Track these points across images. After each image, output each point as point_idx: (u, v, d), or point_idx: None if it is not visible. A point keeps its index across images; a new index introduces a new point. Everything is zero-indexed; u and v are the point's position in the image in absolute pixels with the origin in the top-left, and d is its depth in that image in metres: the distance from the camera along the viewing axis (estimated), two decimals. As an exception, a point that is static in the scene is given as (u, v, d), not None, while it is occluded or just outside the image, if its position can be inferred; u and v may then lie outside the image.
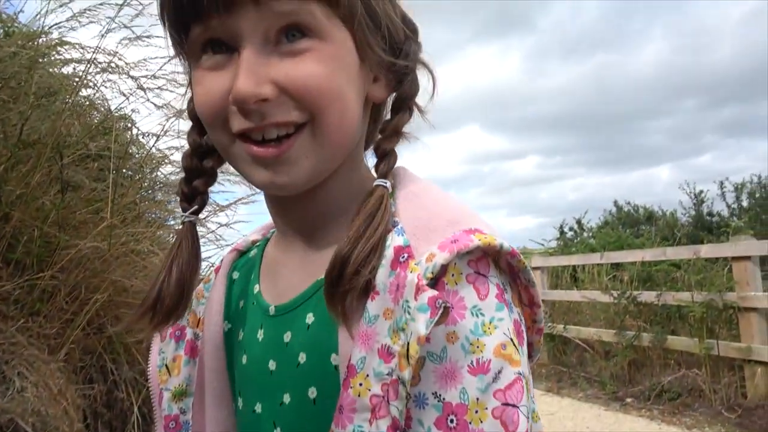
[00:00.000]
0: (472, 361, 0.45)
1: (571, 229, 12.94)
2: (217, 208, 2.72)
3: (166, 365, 0.66)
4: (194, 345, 0.66)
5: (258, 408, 0.58)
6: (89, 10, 2.37)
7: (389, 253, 0.49)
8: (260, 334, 0.60)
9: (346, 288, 0.48)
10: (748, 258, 4.54)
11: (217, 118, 0.53)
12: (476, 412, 0.44)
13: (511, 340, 0.47)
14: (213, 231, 2.66)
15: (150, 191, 2.72)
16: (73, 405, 1.68)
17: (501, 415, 0.44)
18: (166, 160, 2.70)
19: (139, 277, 2.04)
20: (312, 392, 0.53)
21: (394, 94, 0.60)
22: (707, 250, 5.13)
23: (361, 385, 0.46)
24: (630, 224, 12.91)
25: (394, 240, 0.50)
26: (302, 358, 0.54)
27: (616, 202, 13.71)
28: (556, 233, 12.73)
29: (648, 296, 5.46)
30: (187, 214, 0.62)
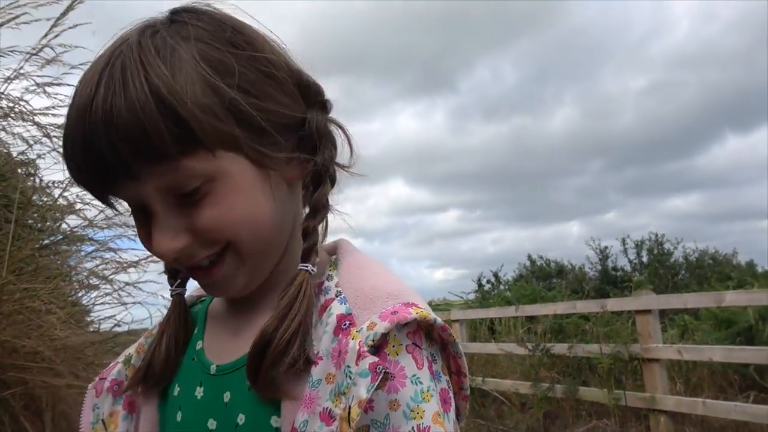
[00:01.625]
0: (413, 427, 0.48)
1: (488, 281, 13.32)
2: (125, 264, 2.57)
3: (102, 420, 0.64)
4: (132, 401, 0.65)
5: None
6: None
7: (332, 320, 0.53)
8: (199, 392, 0.60)
9: (267, 366, 0.51)
10: (649, 311, 4.82)
11: (160, 258, 0.58)
12: None
13: (442, 410, 0.51)
14: (118, 289, 2.50)
15: (53, 243, 2.54)
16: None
17: None
18: (71, 210, 2.54)
19: (33, 337, 1.87)
20: None
21: (310, 168, 0.61)
22: (612, 304, 5.42)
23: None
24: (543, 277, 13.48)
25: (336, 308, 0.54)
26: (241, 419, 0.55)
27: (529, 256, 14.31)
28: (474, 285, 13.04)
29: (560, 348, 5.64)
30: (173, 288, 0.67)
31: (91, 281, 2.54)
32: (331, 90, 0.64)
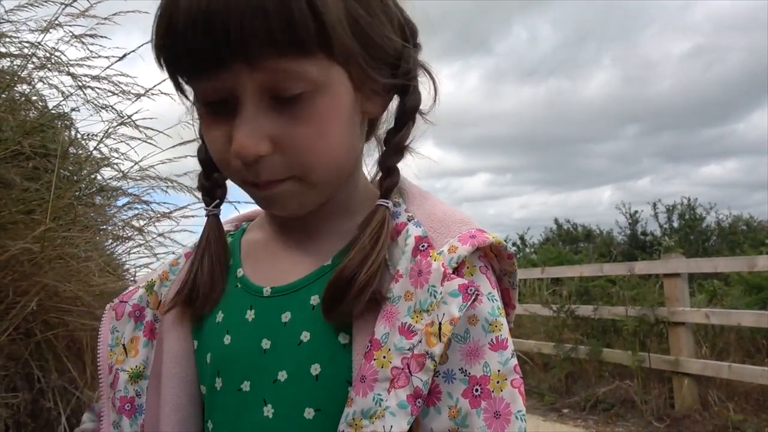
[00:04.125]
0: (492, 339, 0.51)
1: (514, 244, 13.28)
2: (158, 215, 2.63)
3: (123, 345, 0.64)
4: (153, 327, 0.65)
5: (245, 386, 0.58)
6: (28, 5, 2.28)
7: (411, 241, 0.55)
8: (250, 315, 0.60)
9: (348, 301, 0.52)
10: (677, 275, 4.77)
11: (222, 165, 0.57)
12: (497, 382, 0.51)
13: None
14: (151, 240, 2.57)
15: (88, 194, 2.62)
16: (-5, 415, 1.58)
17: (519, 387, 0.51)
18: (106, 163, 2.60)
19: (72, 282, 1.95)
20: (315, 369, 0.55)
21: (397, 106, 0.61)
22: (641, 267, 5.37)
23: (384, 357, 0.50)
24: (569, 241, 13.37)
25: (413, 231, 0.55)
26: (305, 336, 0.56)
27: (556, 220, 14.17)
28: (500, 248, 12.96)
29: (585, 310, 5.65)
30: (210, 208, 0.66)
31: (124, 232, 2.62)
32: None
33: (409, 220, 0.57)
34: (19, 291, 1.74)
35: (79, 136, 2.57)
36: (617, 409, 4.89)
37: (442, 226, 0.56)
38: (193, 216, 2.63)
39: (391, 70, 0.58)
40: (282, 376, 0.56)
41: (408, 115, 0.60)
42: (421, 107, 0.62)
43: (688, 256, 5.83)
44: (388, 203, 0.57)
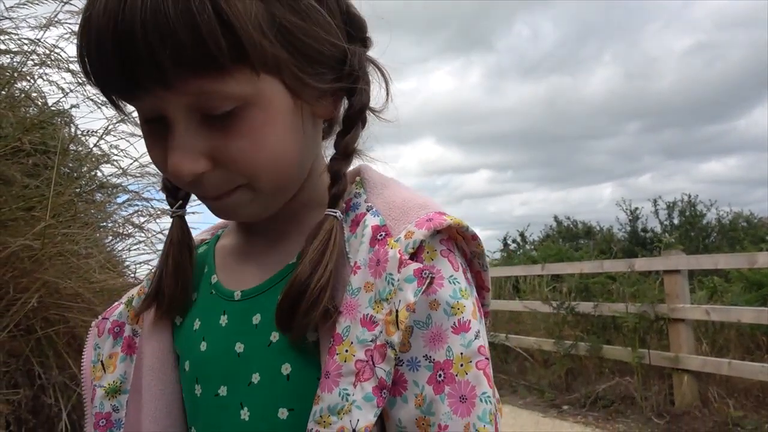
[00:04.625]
0: (454, 323, 0.50)
1: (514, 241, 13.29)
2: (158, 212, 2.64)
3: (101, 362, 0.65)
4: (132, 342, 0.66)
5: (222, 391, 0.58)
6: (27, 3, 2.28)
7: (368, 231, 0.53)
8: (223, 320, 0.60)
9: (301, 315, 0.51)
10: (677, 271, 4.77)
11: (166, 175, 0.56)
12: (461, 365, 0.49)
13: (477, 308, 0.53)
14: (151, 237, 2.57)
15: (88, 191, 2.62)
16: (-4, 411, 1.59)
17: (485, 368, 0.50)
18: (106, 160, 2.60)
19: (73, 279, 1.95)
20: (286, 368, 0.54)
21: (345, 106, 0.59)
22: (641, 264, 5.37)
23: (346, 351, 0.50)
24: (569, 238, 13.37)
25: (371, 220, 0.54)
26: (274, 336, 0.56)
27: (556, 217, 14.17)
28: (500, 245, 13.01)
29: (585, 307, 5.65)
30: (174, 209, 0.65)
31: (125, 229, 2.62)
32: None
33: (368, 210, 0.56)
34: (19, 288, 1.74)
35: (78, 132, 2.57)
36: (617, 406, 4.90)
37: (400, 213, 0.54)
38: (193, 213, 2.63)
39: (334, 73, 0.56)
40: (255, 378, 0.56)
41: (354, 117, 0.58)
42: (374, 105, 0.60)
43: (689, 252, 5.83)
44: (335, 213, 0.55)
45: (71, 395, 1.87)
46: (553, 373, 5.70)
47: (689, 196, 11.83)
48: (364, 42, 0.60)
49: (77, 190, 2.36)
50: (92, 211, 2.53)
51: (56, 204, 1.98)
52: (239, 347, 0.58)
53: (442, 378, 0.49)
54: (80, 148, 2.67)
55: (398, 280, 0.49)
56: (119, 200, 2.72)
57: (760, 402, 4.42)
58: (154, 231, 2.60)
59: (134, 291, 0.69)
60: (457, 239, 0.55)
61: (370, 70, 0.60)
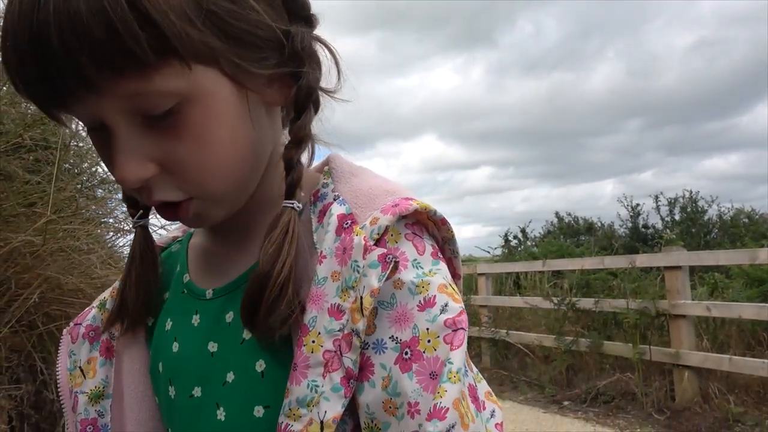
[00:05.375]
0: (419, 301, 0.48)
1: (515, 237, 13.28)
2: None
3: (80, 368, 0.64)
4: (110, 345, 0.64)
5: (197, 392, 0.57)
6: None
7: (333, 220, 0.52)
8: (196, 320, 0.59)
9: (264, 312, 0.49)
10: (678, 268, 4.77)
11: (123, 187, 0.55)
12: (428, 341, 0.47)
13: (450, 283, 0.50)
14: (152, 231, 2.58)
15: (89, 187, 2.62)
16: (-2, 406, 1.59)
17: (452, 340, 0.47)
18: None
19: (74, 275, 1.96)
20: (260, 365, 0.53)
21: (293, 90, 0.55)
22: (642, 260, 5.37)
23: (313, 342, 0.48)
24: (570, 234, 13.36)
25: (336, 209, 0.53)
26: (247, 334, 0.54)
27: (557, 214, 14.16)
28: (501, 241, 13.01)
29: (586, 303, 5.65)
30: (135, 219, 0.62)
31: (126, 225, 2.63)
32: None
33: (334, 200, 0.54)
34: (21, 283, 1.75)
35: (80, 128, 2.57)
36: (618, 402, 4.91)
37: (367, 200, 0.53)
38: (162, 227, 2.63)
39: (277, 56, 0.52)
40: (230, 377, 0.55)
41: (303, 101, 0.54)
42: (324, 85, 0.57)
43: (690, 249, 5.83)
44: (292, 203, 0.53)
45: (73, 391, 1.87)
46: (553, 369, 5.71)
47: (690, 193, 11.82)
48: (308, 21, 0.56)
49: (78, 186, 2.36)
50: (93, 207, 2.53)
51: (57, 200, 1.98)
52: (212, 347, 0.57)
53: (408, 356, 0.47)
54: (81, 144, 2.67)
55: (363, 267, 0.47)
56: (120, 196, 2.72)
57: (761, 398, 4.43)
58: (155, 226, 2.60)
59: (106, 294, 0.68)
60: (428, 225, 0.54)
61: (318, 50, 0.57)
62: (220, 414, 0.55)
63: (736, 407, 4.27)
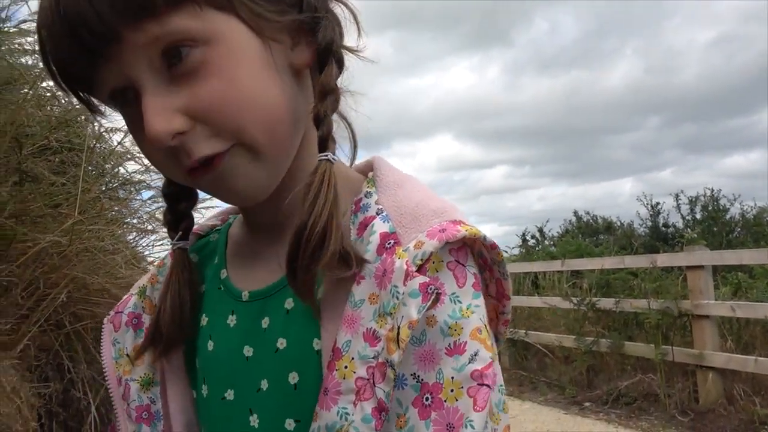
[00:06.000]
0: (449, 344, 0.46)
1: (533, 237, 13.20)
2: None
3: (127, 355, 0.63)
4: None
5: (229, 395, 0.57)
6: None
7: (375, 238, 0.50)
8: (232, 320, 0.58)
9: (306, 260, 0.48)
10: (701, 267, 4.70)
11: (159, 165, 0.53)
12: (451, 390, 0.45)
13: (485, 326, 0.48)
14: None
15: (112, 188, 2.65)
16: (27, 404, 1.61)
17: (476, 395, 0.45)
18: (129, 156, 2.63)
19: (100, 275, 1.98)
20: (293, 377, 0.52)
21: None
22: (664, 260, 5.30)
23: (346, 367, 0.47)
24: (589, 234, 13.24)
25: (379, 226, 0.51)
26: (281, 343, 0.53)
27: (576, 212, 14.04)
28: (518, 241, 12.93)
29: (606, 303, 5.59)
30: (174, 241, 0.62)
31: (149, 225, 2.65)
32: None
33: (377, 214, 0.52)
34: (49, 283, 1.77)
35: (102, 130, 2.60)
36: (640, 403, 4.85)
37: (412, 219, 0.51)
38: (215, 207, 2.65)
39: (295, 11, 0.52)
40: (264, 384, 0.54)
41: (324, 54, 0.54)
42: (346, 42, 0.57)
43: (712, 248, 5.74)
44: (326, 156, 0.51)
45: (99, 389, 1.90)
46: (574, 369, 5.66)
47: (712, 191, 11.64)
48: None
49: (102, 187, 2.39)
50: (117, 207, 2.56)
51: (83, 201, 2.00)
52: (248, 351, 0.56)
53: (429, 402, 0.45)
54: (104, 146, 2.70)
55: (403, 294, 0.45)
56: (143, 196, 2.75)
57: (788, 400, 4.35)
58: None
59: (144, 280, 0.67)
60: (475, 244, 0.51)
61: (336, 6, 0.57)
62: (254, 420, 0.54)
63: (762, 409, 4.19)
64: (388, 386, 0.45)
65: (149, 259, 2.75)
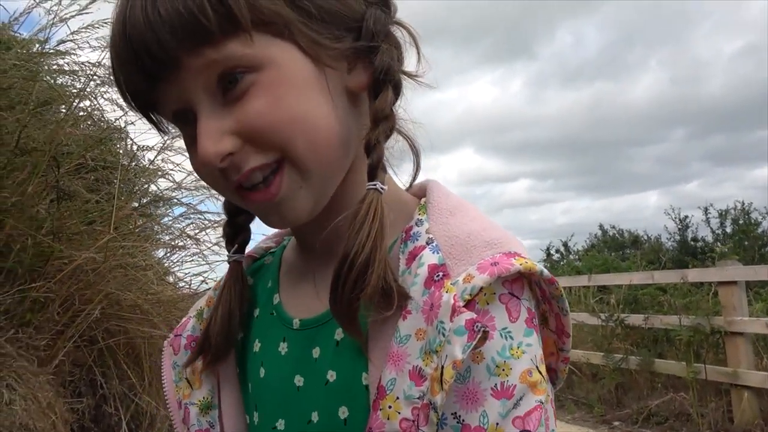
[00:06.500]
0: (496, 384, 0.45)
1: (557, 251, 13.04)
2: (212, 223, 2.70)
3: (186, 378, 0.63)
4: None
5: (280, 425, 0.56)
6: (90, 27, 2.39)
7: (423, 270, 0.48)
8: (283, 348, 0.58)
9: (348, 289, 0.47)
10: (734, 283, 4.59)
11: (213, 184, 0.54)
12: None
13: (537, 367, 0.46)
14: (205, 249, 2.63)
15: (144, 205, 2.70)
16: (62, 419, 1.64)
17: None
18: (161, 174, 2.69)
19: (132, 291, 2.01)
20: (343, 412, 0.51)
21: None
22: (695, 275, 5.18)
23: (390, 407, 0.45)
24: (615, 248, 13.04)
25: (428, 258, 0.49)
26: (331, 376, 0.52)
27: (601, 226, 13.85)
28: (542, 255, 12.79)
29: (635, 319, 5.48)
30: (230, 253, 0.63)
31: (180, 241, 2.69)
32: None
33: (427, 244, 0.50)
34: (83, 299, 1.80)
35: (135, 148, 2.66)
36: (672, 423, 4.72)
37: (463, 251, 0.49)
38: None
39: (354, 36, 0.53)
40: (315, 417, 0.53)
41: (380, 80, 0.53)
42: (406, 68, 0.56)
43: (743, 263, 5.59)
44: (374, 185, 0.50)
45: (129, 405, 1.92)
46: (602, 387, 5.54)
47: (743, 204, 11.39)
48: (386, 4, 0.56)
49: (135, 204, 2.44)
50: (149, 224, 2.61)
51: (116, 218, 2.04)
52: (299, 380, 0.55)
53: None
54: (134, 164, 2.76)
55: (448, 331, 0.43)
56: (175, 213, 2.80)
57: (828, 421, 4.19)
58: (209, 243, 2.66)
59: (202, 302, 0.67)
60: (532, 278, 0.49)
61: (397, 31, 0.56)
62: None
63: (800, 431, 4.05)
64: (431, 429, 0.44)
65: (180, 275, 2.79)
